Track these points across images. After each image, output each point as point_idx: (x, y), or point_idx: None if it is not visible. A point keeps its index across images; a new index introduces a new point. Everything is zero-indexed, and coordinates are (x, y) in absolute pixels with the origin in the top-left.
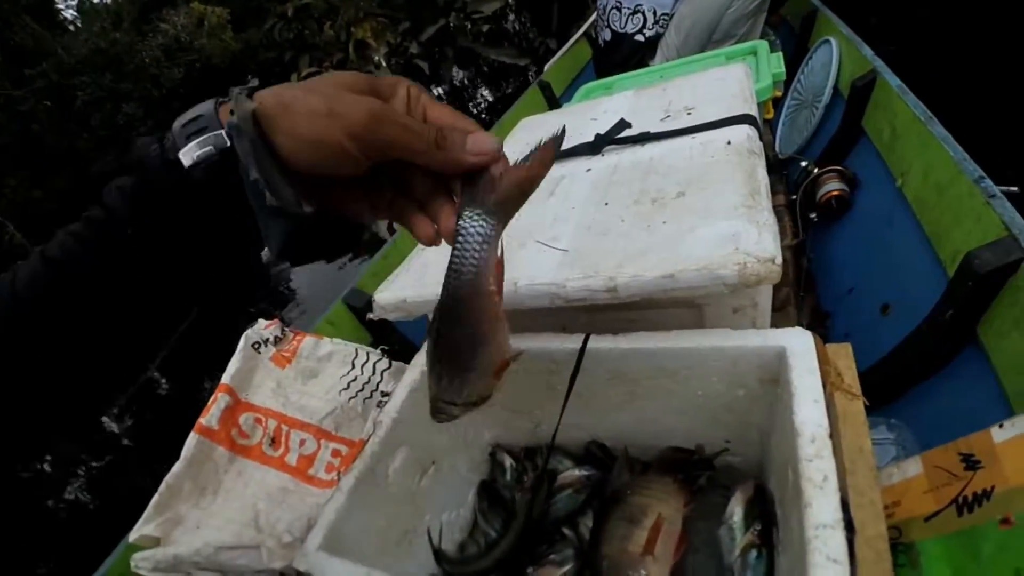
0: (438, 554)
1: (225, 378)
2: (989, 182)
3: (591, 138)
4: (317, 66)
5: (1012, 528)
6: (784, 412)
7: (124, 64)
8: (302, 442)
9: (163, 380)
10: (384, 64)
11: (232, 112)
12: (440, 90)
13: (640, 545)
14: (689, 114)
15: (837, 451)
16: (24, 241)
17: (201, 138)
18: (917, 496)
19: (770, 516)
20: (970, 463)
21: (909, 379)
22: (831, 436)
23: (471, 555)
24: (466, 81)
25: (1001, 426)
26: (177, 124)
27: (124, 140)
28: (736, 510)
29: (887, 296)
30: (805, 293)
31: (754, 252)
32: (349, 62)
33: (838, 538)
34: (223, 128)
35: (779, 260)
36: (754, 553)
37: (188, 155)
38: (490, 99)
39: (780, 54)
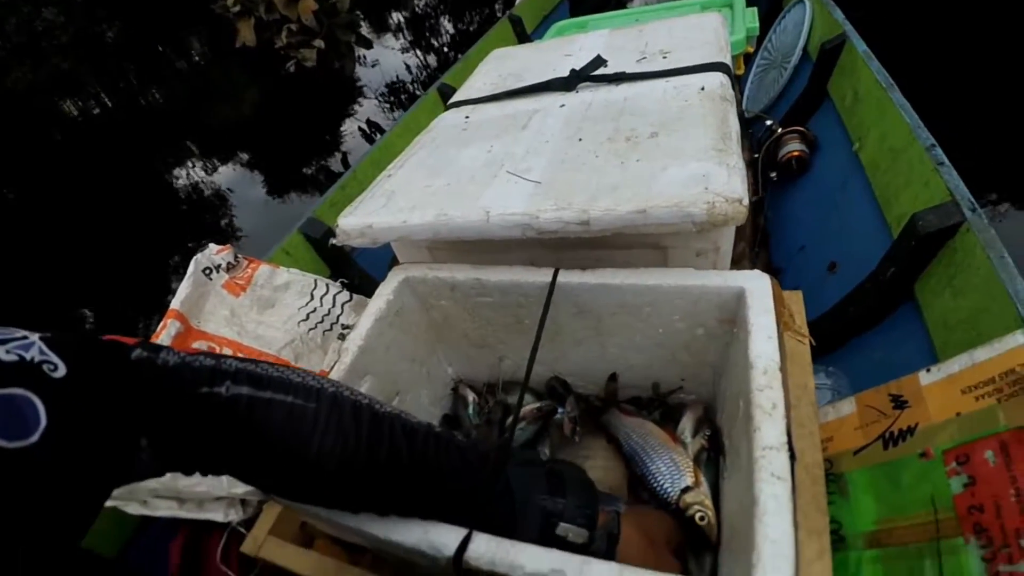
0: None
1: (174, 303)
2: (939, 150)
3: (566, 74)
4: None
5: (930, 460)
6: (739, 348)
7: None
8: None
9: (104, 307)
10: None
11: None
12: (400, 15)
13: None
14: (665, 58)
15: (784, 386)
16: None
17: (580, 530)
18: (848, 432)
19: (717, 434)
20: (898, 403)
21: (849, 331)
22: (781, 370)
23: None
24: (428, 9)
25: (928, 370)
26: (571, 505)
27: (42, 49)
28: (687, 426)
29: (835, 255)
30: (759, 249)
31: (723, 192)
32: None
33: (783, 458)
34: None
35: (746, 201)
36: (704, 456)
37: (564, 530)
38: (452, 31)
39: (755, 10)
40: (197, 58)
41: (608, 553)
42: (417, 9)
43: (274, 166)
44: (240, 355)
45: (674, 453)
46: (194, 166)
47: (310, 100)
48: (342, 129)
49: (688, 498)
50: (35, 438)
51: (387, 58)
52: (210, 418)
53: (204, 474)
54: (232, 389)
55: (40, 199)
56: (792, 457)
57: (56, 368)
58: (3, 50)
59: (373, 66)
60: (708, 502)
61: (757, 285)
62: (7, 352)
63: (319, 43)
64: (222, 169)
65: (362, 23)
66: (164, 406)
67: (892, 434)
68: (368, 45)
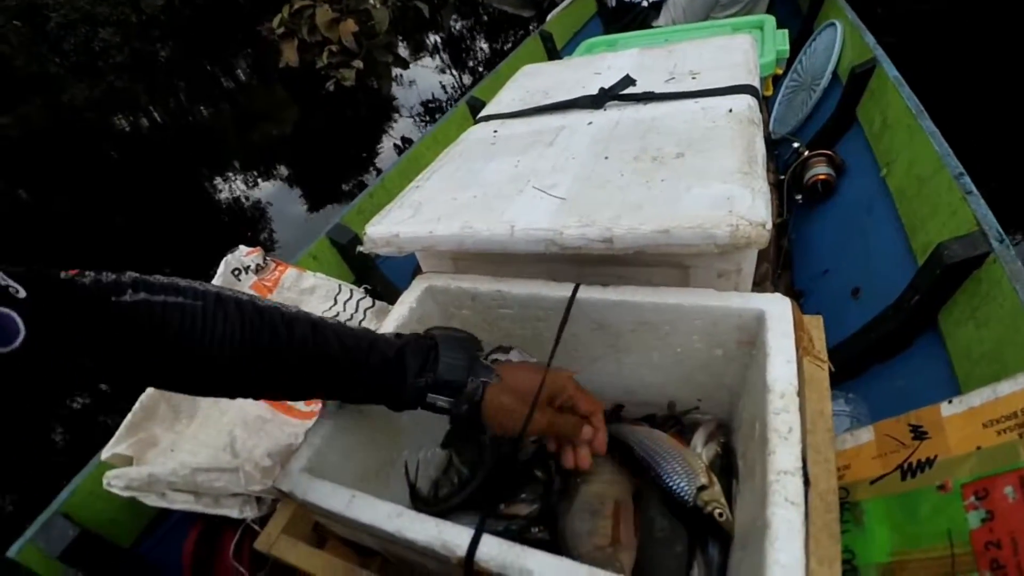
0: (413, 489)
1: None
2: (967, 179)
3: (594, 92)
4: (311, 0)
5: (948, 494)
6: (757, 371)
7: None
8: None
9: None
10: (379, 5)
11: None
12: (438, 37)
13: (607, 536)
14: (694, 79)
15: (801, 411)
16: None
17: (445, 399)
18: (866, 461)
19: (731, 450)
20: (918, 433)
21: (870, 358)
22: (798, 395)
23: (444, 495)
24: (464, 30)
25: (950, 402)
26: (442, 374)
27: (99, 68)
28: (699, 441)
29: (859, 280)
30: (782, 271)
31: (747, 215)
32: None
33: (796, 483)
34: (464, 400)
35: (769, 225)
36: (718, 463)
37: (432, 399)
38: (488, 51)
39: (786, 32)
40: (244, 77)
41: (473, 415)
42: (453, 30)
43: (313, 181)
44: None
45: (687, 455)
46: (237, 180)
47: (349, 118)
48: (379, 146)
49: (705, 496)
50: (17, 345)
51: (424, 77)
52: (122, 324)
53: (128, 387)
54: (133, 296)
55: (92, 209)
56: (806, 483)
57: (18, 291)
58: (62, 68)
59: (410, 85)
60: (724, 500)
61: (777, 308)
62: None
63: (358, 63)
64: (264, 183)
65: (400, 44)
66: (92, 318)
67: (910, 465)
68: (404, 65)
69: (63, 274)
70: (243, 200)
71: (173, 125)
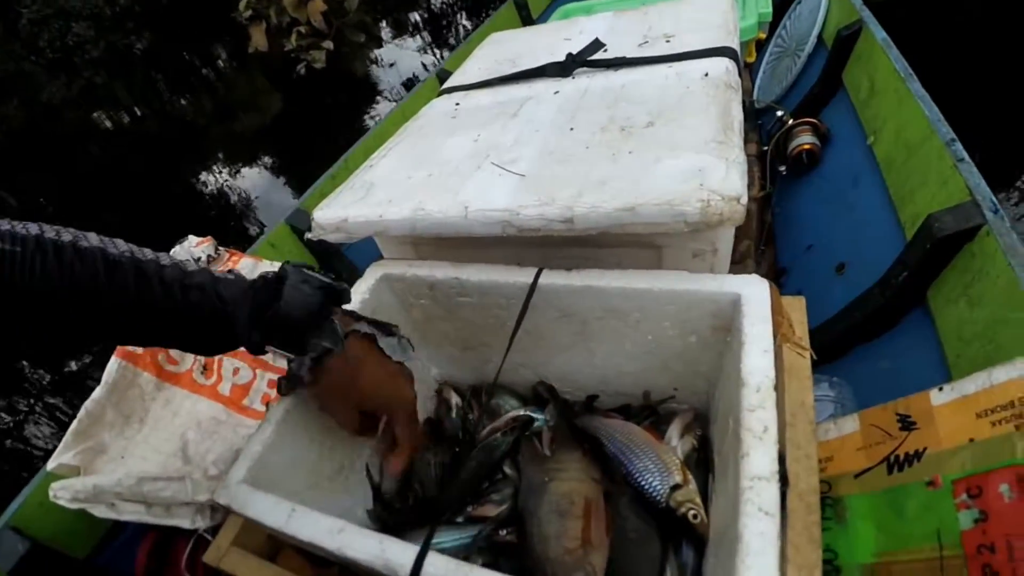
0: (377, 492)
1: None
2: (959, 146)
3: (562, 58)
4: None
5: (938, 490)
6: (732, 360)
7: None
8: (236, 371)
9: None
10: None
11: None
12: (417, 15)
13: (577, 538)
14: (668, 42)
15: (780, 404)
16: None
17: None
18: (850, 453)
19: (707, 442)
20: (906, 424)
21: (855, 338)
22: (776, 388)
23: (410, 497)
24: (445, 6)
25: (941, 389)
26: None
27: (75, 64)
28: (674, 433)
29: (844, 255)
30: (765, 247)
31: (719, 189)
32: None
33: (772, 491)
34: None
35: (744, 200)
36: (695, 457)
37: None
38: (470, 27)
39: None
40: (222, 66)
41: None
42: (433, 8)
43: (295, 167)
44: None
45: (660, 452)
46: (220, 170)
47: (330, 102)
48: (361, 128)
49: (679, 496)
50: None
51: (404, 57)
52: None
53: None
54: None
55: (78, 208)
56: (785, 483)
57: None
58: (37, 65)
59: (391, 66)
60: (699, 499)
61: (754, 292)
62: None
63: (328, 44)
64: (247, 172)
65: (382, 24)
66: None
67: (897, 458)
68: (379, 44)
69: None
70: (227, 190)
71: (153, 118)
